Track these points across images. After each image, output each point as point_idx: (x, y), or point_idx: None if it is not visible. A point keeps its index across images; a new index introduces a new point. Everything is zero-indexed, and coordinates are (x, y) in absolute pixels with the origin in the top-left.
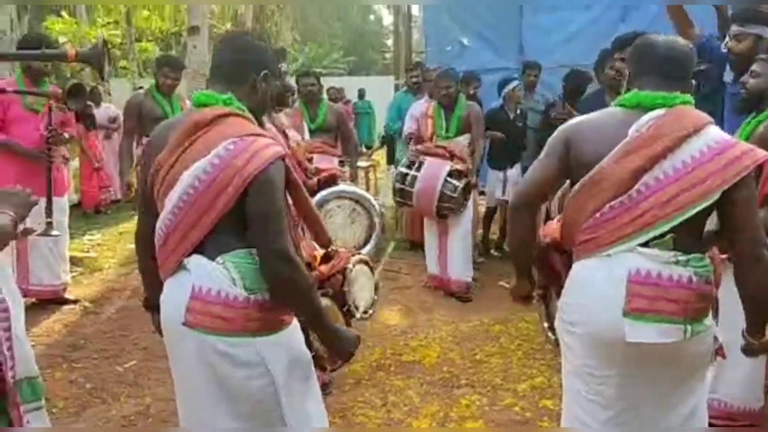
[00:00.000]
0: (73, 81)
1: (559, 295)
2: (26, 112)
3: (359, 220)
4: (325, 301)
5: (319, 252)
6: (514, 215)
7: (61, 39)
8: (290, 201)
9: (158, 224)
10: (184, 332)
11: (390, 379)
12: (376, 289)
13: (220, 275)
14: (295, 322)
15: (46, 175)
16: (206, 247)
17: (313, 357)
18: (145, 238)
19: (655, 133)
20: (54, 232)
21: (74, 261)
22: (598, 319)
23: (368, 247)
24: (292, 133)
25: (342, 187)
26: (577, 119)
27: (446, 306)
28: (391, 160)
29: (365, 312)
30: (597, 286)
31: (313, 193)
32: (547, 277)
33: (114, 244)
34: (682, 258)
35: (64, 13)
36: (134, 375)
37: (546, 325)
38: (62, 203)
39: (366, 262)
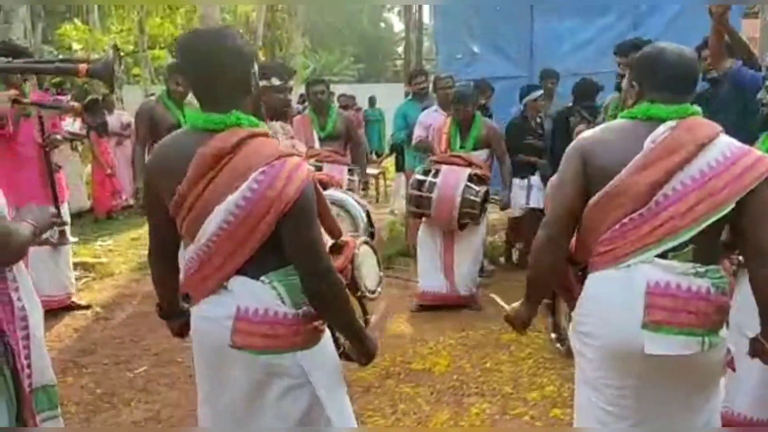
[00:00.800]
0: (91, 97)
1: (572, 307)
2: (20, 118)
3: (343, 225)
4: None
5: (329, 242)
6: (546, 243)
7: (75, 46)
8: None
9: (190, 253)
10: (229, 352)
11: (399, 387)
12: (379, 265)
13: (268, 295)
14: (326, 329)
15: (50, 182)
16: (247, 269)
17: (341, 354)
18: (158, 253)
19: (670, 145)
20: (71, 239)
21: (86, 266)
22: (616, 331)
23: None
24: (296, 142)
25: (327, 192)
26: (591, 133)
27: (455, 314)
28: (400, 167)
29: (373, 292)
30: (615, 297)
31: None
32: (560, 289)
33: (125, 249)
34: (701, 269)
35: (77, 21)
36: (144, 381)
37: (553, 335)
38: (63, 211)
39: (367, 243)
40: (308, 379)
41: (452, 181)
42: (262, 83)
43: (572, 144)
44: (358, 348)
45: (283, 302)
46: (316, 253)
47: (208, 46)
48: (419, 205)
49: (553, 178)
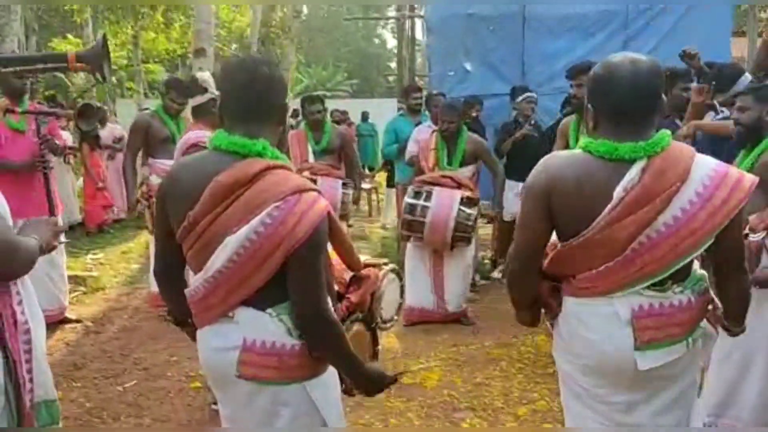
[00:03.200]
0: (82, 102)
1: (551, 317)
2: (12, 133)
3: (396, 293)
4: (355, 328)
5: (348, 274)
6: (516, 279)
7: None
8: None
9: (196, 282)
10: (236, 381)
11: (390, 401)
12: (402, 291)
13: (277, 327)
14: None
15: (45, 184)
16: (253, 300)
17: (344, 390)
18: (163, 274)
19: (642, 198)
20: (62, 239)
21: (76, 280)
22: (607, 352)
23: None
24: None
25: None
26: (554, 167)
27: (447, 329)
28: (391, 182)
29: (389, 321)
30: (602, 324)
31: None
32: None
33: (116, 263)
34: (681, 286)
35: (70, 36)
36: (134, 395)
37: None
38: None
39: (393, 270)
40: (317, 408)
41: (445, 205)
42: None
43: (536, 176)
44: (358, 383)
45: (290, 335)
46: (313, 296)
47: (254, 71)
48: (412, 229)
49: (519, 218)
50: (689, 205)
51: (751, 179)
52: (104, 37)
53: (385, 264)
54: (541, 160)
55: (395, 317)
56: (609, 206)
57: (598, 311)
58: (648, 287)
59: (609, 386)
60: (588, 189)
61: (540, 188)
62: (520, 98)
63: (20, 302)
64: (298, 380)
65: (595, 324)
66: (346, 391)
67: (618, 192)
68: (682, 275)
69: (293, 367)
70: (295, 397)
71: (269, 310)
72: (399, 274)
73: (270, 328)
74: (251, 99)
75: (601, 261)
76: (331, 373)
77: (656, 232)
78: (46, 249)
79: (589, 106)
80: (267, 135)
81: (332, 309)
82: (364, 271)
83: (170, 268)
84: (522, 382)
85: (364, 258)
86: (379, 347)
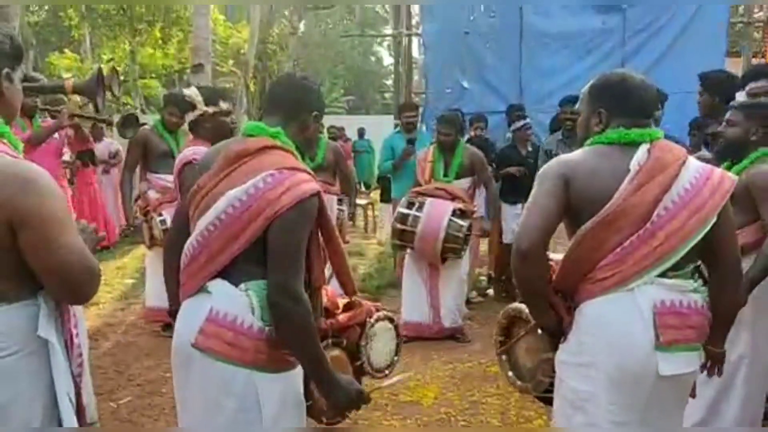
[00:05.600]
0: (129, 112)
1: (556, 336)
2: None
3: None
4: (335, 352)
5: (344, 299)
6: (524, 263)
7: (65, 75)
8: (321, 240)
9: (186, 245)
10: (191, 355)
11: (387, 419)
12: (398, 350)
13: (241, 302)
14: (299, 369)
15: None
16: (231, 273)
17: (309, 406)
18: (170, 244)
19: (657, 165)
20: None
21: None
22: (626, 355)
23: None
24: None
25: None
26: (569, 156)
27: (443, 345)
28: (387, 198)
29: (379, 371)
30: (622, 321)
31: None
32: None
33: (111, 278)
34: (695, 285)
35: (67, 51)
36: (128, 411)
37: (510, 374)
38: None
39: (391, 320)
40: (259, 408)
41: (437, 216)
42: (212, 108)
43: (549, 165)
44: (325, 393)
45: (253, 313)
46: (288, 266)
47: (292, 77)
48: (403, 239)
49: (529, 201)
50: (694, 180)
51: (734, 176)
52: (99, 70)
53: (386, 311)
54: (551, 160)
55: (387, 371)
56: (628, 177)
57: (618, 307)
58: (666, 275)
59: (626, 399)
60: (604, 168)
61: (555, 172)
62: (516, 126)
63: (76, 324)
64: (248, 366)
65: (615, 322)
66: (313, 414)
67: (633, 164)
68: (692, 273)
69: (247, 350)
70: (242, 387)
71: (241, 285)
72: (397, 328)
73: (235, 301)
74: (281, 96)
75: (626, 234)
76: (288, 378)
77: (672, 201)
78: (93, 252)
79: (601, 111)
80: (286, 126)
81: (303, 290)
82: (360, 301)
83: (176, 239)
84: (519, 400)
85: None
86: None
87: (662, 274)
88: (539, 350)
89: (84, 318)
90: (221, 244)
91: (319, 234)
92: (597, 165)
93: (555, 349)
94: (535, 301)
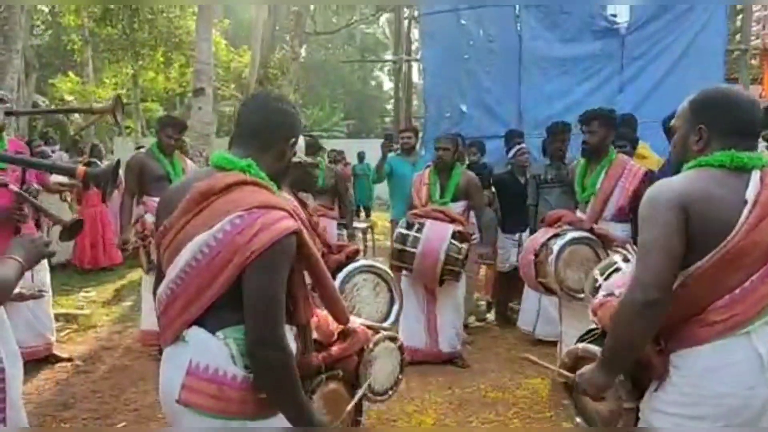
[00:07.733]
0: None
1: (640, 385)
2: None
3: (382, 293)
4: (331, 386)
5: (336, 327)
6: (649, 315)
7: (68, 98)
8: (307, 275)
9: (159, 292)
10: (177, 411)
11: None
12: (402, 368)
13: (221, 352)
14: None
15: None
16: (207, 320)
17: None
18: (156, 286)
19: None
20: (44, 290)
21: (68, 318)
22: (748, 406)
23: (390, 320)
24: (313, 206)
25: (366, 261)
26: (683, 182)
27: (441, 370)
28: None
29: (380, 394)
30: (740, 370)
31: (339, 268)
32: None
33: (108, 301)
34: None
35: (71, 73)
36: None
37: (579, 420)
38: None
39: (393, 339)
40: None
41: (437, 238)
42: (310, 159)
43: (660, 192)
44: None
45: (234, 362)
46: (265, 314)
47: (265, 103)
48: (402, 259)
49: (644, 239)
50: None
51: None
52: (117, 163)
53: (386, 330)
54: (653, 186)
55: (390, 392)
56: (746, 208)
57: (733, 356)
58: None
59: None
60: (719, 197)
61: (670, 201)
62: (514, 151)
63: None
64: (239, 417)
65: (732, 369)
66: None
67: (749, 195)
68: None
69: (234, 401)
70: None
71: (219, 333)
72: (401, 347)
73: (214, 351)
74: (253, 122)
75: (747, 272)
76: (281, 420)
77: None
78: (30, 267)
79: (702, 128)
80: (257, 157)
81: (284, 334)
82: (355, 327)
83: (159, 282)
84: (518, 427)
85: (361, 321)
86: (363, 419)
87: None
88: (617, 398)
89: (11, 333)
90: (194, 293)
91: (305, 268)
92: (712, 193)
93: (638, 397)
94: (633, 353)
